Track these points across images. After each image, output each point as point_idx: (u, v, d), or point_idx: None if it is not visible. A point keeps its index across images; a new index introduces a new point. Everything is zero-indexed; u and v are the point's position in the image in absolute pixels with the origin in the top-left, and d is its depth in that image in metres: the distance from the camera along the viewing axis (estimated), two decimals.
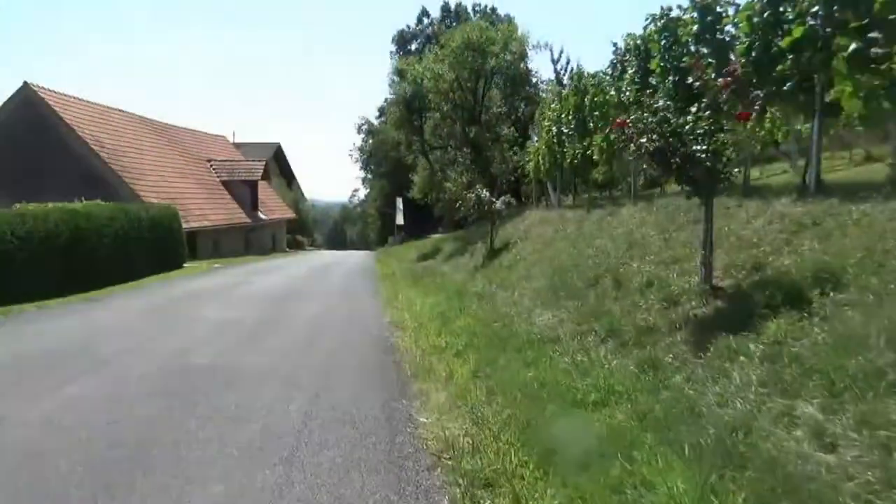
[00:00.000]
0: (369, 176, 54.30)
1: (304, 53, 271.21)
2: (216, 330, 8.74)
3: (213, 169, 33.10)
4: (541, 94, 24.41)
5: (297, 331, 8.76)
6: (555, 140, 14.30)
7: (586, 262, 8.46)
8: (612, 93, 11.17)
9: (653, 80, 9.38)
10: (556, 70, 28.04)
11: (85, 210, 16.62)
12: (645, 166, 5.47)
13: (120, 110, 28.47)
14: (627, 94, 10.28)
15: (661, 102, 5.46)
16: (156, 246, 19.42)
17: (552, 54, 30.46)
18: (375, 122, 47.87)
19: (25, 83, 22.25)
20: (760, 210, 6.50)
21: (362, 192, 60.54)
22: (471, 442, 4.15)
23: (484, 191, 13.97)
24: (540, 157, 16.13)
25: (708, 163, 5.13)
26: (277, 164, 49.70)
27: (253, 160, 36.43)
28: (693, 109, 5.38)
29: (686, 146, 5.17)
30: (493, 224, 13.98)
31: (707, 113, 5.33)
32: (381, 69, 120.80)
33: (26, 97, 22.30)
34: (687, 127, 5.22)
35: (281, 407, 5.07)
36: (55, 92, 23.62)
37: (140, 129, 29.00)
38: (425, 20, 50.58)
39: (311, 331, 8.77)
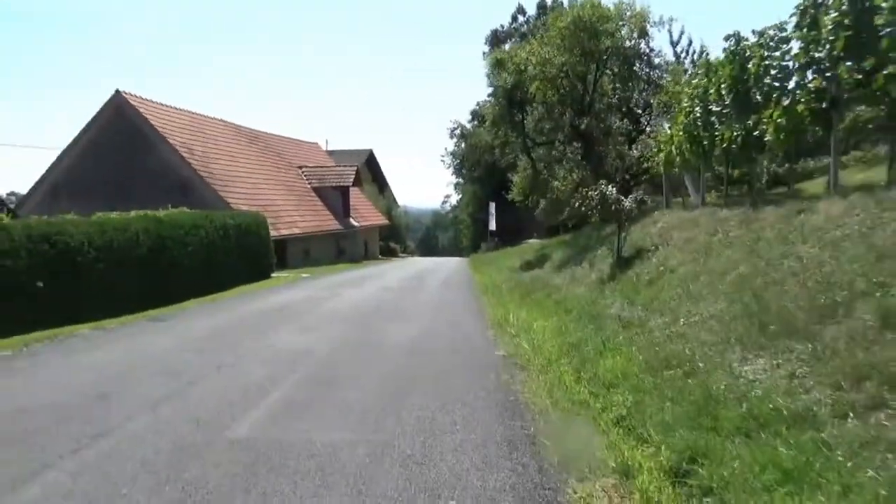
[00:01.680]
0: (461, 181, 52.80)
1: (397, 60, 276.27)
2: (281, 368, 6.82)
3: (305, 175, 32.24)
4: (664, 76, 21.34)
5: (383, 373, 6.68)
6: (699, 123, 11.53)
7: (795, 281, 5.82)
8: (797, 51, 8.37)
9: (879, 21, 6.59)
10: (675, 53, 24.91)
11: (168, 218, 15.53)
12: None
13: (211, 117, 28.04)
14: (828, 47, 7.48)
15: None
16: (243, 255, 18.29)
17: (671, 35, 27.26)
18: (468, 125, 46.06)
19: (118, 91, 21.93)
20: None
21: (454, 198, 59.29)
22: None
23: (610, 187, 11.45)
24: (674, 147, 13.35)
25: None
26: (370, 170, 48.96)
27: (344, 166, 35.41)
28: None
29: None
30: (622, 227, 11.42)
31: None
32: (475, 72, 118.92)
33: (118, 105, 21.97)
34: None
35: None
36: (146, 99, 23.27)
37: (231, 136, 28.48)
38: (520, 18, 48.19)
39: (402, 373, 6.68)
